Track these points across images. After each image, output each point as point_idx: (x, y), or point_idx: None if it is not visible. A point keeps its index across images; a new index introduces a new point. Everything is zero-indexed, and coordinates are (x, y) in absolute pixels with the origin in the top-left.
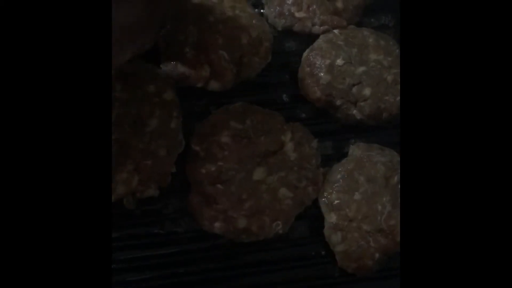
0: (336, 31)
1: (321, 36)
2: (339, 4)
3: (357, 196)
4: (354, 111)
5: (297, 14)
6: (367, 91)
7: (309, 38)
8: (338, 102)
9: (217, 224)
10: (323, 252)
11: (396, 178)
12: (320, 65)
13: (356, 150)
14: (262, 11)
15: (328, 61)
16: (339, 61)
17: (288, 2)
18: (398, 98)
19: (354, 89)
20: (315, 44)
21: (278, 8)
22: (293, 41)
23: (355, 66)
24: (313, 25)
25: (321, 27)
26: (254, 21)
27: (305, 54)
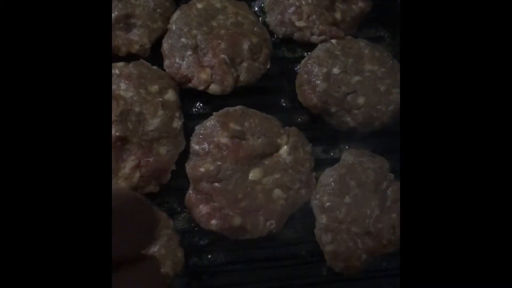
0: (333, 41)
1: (319, 45)
2: (338, 15)
3: (347, 199)
4: (348, 119)
5: (297, 23)
6: (361, 100)
7: (307, 47)
8: (333, 109)
9: (213, 222)
10: (312, 252)
11: (385, 184)
12: (317, 73)
13: (348, 155)
14: (262, 18)
15: (325, 70)
16: (336, 70)
17: (289, 11)
18: (390, 107)
19: (349, 97)
20: (313, 52)
21: (279, 16)
22: (292, 49)
23: (351, 75)
24: (312, 34)
25: (320, 37)
26: (255, 28)
27: (303, 62)
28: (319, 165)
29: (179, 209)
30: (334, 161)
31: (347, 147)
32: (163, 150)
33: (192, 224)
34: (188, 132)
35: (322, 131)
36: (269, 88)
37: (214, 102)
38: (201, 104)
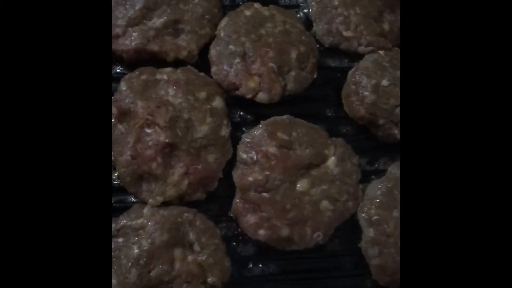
0: (381, 52)
1: (366, 56)
2: (386, 26)
3: (395, 213)
4: (396, 131)
5: (344, 33)
6: None
7: (354, 57)
8: (381, 122)
9: (261, 232)
10: (357, 264)
11: None
12: (365, 85)
13: (395, 168)
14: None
15: (374, 81)
16: (385, 82)
17: (336, 21)
18: None
19: (397, 110)
20: (361, 63)
21: (326, 26)
22: (338, 59)
23: (399, 87)
24: (359, 45)
25: (367, 48)
26: (303, 37)
27: (350, 72)
28: (364, 176)
29: (223, 217)
30: (379, 173)
31: (392, 159)
32: (211, 157)
33: (236, 233)
34: (233, 140)
35: (367, 142)
36: (314, 97)
37: (258, 110)
38: (244, 112)
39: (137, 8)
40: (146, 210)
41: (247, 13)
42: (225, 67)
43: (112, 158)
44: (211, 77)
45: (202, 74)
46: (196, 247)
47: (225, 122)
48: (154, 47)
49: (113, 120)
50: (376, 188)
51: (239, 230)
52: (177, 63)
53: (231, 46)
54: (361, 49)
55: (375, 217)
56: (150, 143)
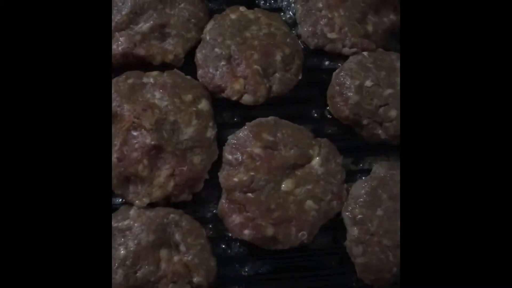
0: (365, 53)
1: (350, 57)
2: (370, 28)
3: (379, 212)
4: (380, 131)
5: (329, 35)
6: (393, 113)
7: (339, 58)
8: (365, 122)
9: (246, 231)
10: (342, 262)
11: None
12: (349, 85)
13: (379, 168)
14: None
15: (357, 82)
16: (368, 83)
17: (321, 22)
18: None
19: (381, 110)
20: (345, 64)
21: (311, 28)
22: (323, 60)
23: (383, 88)
24: (344, 46)
25: (351, 49)
26: (288, 39)
27: (335, 73)
28: (349, 176)
29: (209, 218)
30: (364, 172)
31: (376, 159)
32: (196, 159)
33: (223, 233)
34: (220, 141)
35: (352, 142)
36: (300, 99)
37: (244, 112)
38: (231, 114)
39: (123, 13)
40: (132, 212)
41: (233, 16)
42: (210, 70)
43: None
44: (197, 80)
45: (188, 77)
46: (182, 248)
47: (210, 124)
48: (140, 51)
49: None
50: (361, 188)
51: (225, 230)
52: (164, 67)
53: (216, 49)
54: (346, 50)
55: (359, 216)
56: (136, 146)
